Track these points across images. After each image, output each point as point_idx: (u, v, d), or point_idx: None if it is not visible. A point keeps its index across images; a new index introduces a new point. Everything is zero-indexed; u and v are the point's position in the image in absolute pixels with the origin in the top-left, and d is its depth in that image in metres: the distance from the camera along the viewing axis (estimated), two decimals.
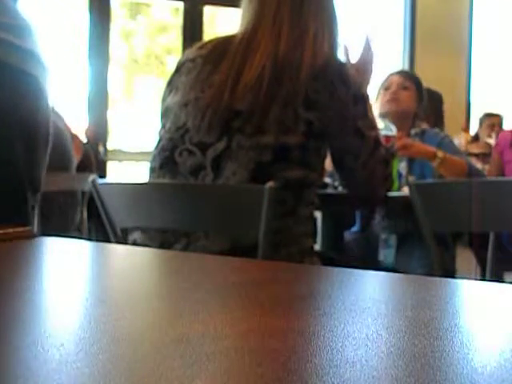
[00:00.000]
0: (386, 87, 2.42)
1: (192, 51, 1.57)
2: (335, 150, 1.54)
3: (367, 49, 1.83)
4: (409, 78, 2.45)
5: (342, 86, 1.45)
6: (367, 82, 1.79)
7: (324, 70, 1.43)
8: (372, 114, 1.55)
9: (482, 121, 5.03)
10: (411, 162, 2.37)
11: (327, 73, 1.44)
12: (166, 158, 1.48)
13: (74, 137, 3.39)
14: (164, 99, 1.58)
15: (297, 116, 1.41)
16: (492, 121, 4.94)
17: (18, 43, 1.02)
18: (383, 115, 2.31)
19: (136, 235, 1.50)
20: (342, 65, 1.48)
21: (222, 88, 1.43)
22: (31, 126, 1.03)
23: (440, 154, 2.15)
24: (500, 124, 4.90)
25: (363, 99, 1.50)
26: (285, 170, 1.42)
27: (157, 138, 1.56)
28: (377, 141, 1.54)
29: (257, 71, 1.41)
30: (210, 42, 1.57)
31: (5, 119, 0.98)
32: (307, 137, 1.43)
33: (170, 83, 1.58)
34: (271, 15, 1.47)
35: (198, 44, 1.58)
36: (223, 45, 1.50)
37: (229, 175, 1.42)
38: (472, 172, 2.21)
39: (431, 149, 2.17)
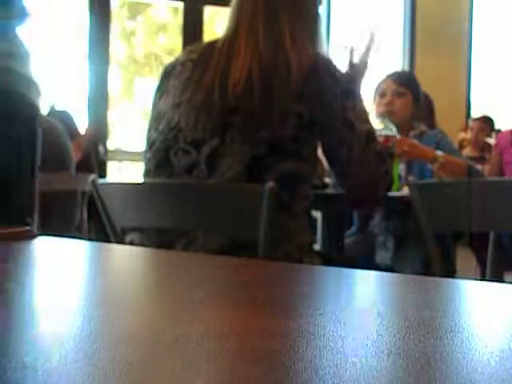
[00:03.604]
0: (380, 94, 2.41)
1: (182, 55, 1.62)
2: (327, 145, 1.55)
3: (366, 52, 1.88)
4: (404, 82, 2.42)
5: (330, 79, 1.49)
6: (359, 83, 1.81)
7: (312, 68, 1.47)
8: (363, 109, 1.57)
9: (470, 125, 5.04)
10: (410, 163, 2.37)
11: (315, 70, 1.47)
12: (161, 159, 1.50)
13: (77, 136, 3.40)
14: (155, 105, 1.61)
15: (289, 110, 1.45)
16: (472, 125, 4.94)
17: (23, 72, 1.13)
18: (382, 115, 2.31)
19: (133, 235, 1.51)
20: (328, 60, 1.52)
21: (211, 88, 1.48)
22: (28, 148, 1.16)
23: (440, 158, 2.14)
24: (482, 128, 4.86)
25: (352, 94, 1.54)
26: (278, 162, 1.45)
27: (145, 141, 1.59)
28: (370, 135, 1.55)
29: (243, 74, 1.46)
30: (199, 46, 1.63)
31: (10, 139, 1.10)
32: (298, 129, 1.46)
33: (159, 89, 1.62)
34: (247, 22, 1.53)
35: (189, 48, 1.64)
36: (209, 48, 1.56)
37: (224, 170, 1.44)
38: (472, 173, 2.21)
39: (431, 152, 2.17)
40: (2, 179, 1.11)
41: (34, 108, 1.18)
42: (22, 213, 1.17)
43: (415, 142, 2.24)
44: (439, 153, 2.17)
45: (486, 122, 4.93)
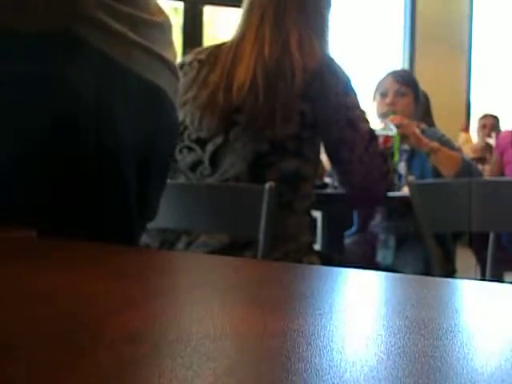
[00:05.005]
0: (382, 93, 2.40)
1: (189, 56, 1.65)
2: (330, 143, 1.56)
3: None
4: (405, 82, 2.42)
5: (332, 77, 1.50)
6: None
7: (316, 69, 1.49)
8: (363, 109, 1.58)
9: (478, 122, 5.03)
10: (410, 161, 2.37)
11: (319, 71, 1.49)
12: None
13: None
14: None
15: (292, 108, 1.46)
16: (484, 121, 4.93)
17: (146, 45, 0.79)
18: (383, 115, 2.31)
19: None
20: (332, 61, 1.53)
21: (217, 88, 1.50)
22: (146, 149, 0.80)
23: (434, 144, 2.15)
24: (494, 125, 4.87)
25: (353, 92, 1.55)
26: (280, 160, 1.47)
27: None
28: (371, 134, 1.57)
29: (248, 77, 1.48)
30: (207, 48, 1.65)
31: (120, 138, 0.76)
32: (301, 127, 1.47)
33: None
34: (255, 25, 1.55)
35: (196, 50, 1.66)
36: (216, 51, 1.59)
37: (227, 168, 1.46)
38: (466, 166, 2.21)
39: (426, 139, 2.18)
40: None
41: (163, 99, 0.81)
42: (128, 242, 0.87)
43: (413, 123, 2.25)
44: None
45: (490, 118, 4.94)
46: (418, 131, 2.19)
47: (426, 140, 2.16)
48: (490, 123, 4.85)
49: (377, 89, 2.43)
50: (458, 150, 2.47)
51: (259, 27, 1.54)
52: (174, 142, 0.90)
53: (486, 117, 5.02)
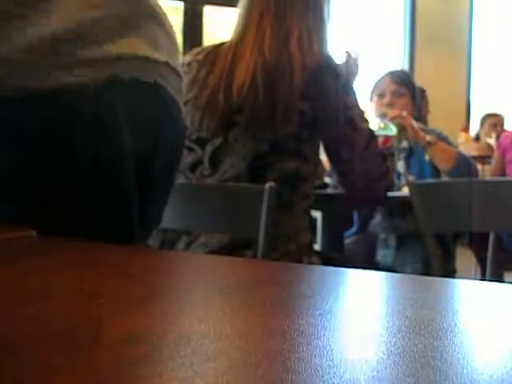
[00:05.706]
0: (379, 93, 2.40)
1: (188, 57, 1.65)
2: (330, 142, 1.56)
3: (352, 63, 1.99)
4: (403, 83, 2.42)
5: (333, 78, 1.50)
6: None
7: (315, 68, 1.48)
8: (362, 108, 1.58)
9: (483, 121, 5.02)
10: (408, 160, 2.37)
11: (318, 70, 1.49)
12: None
13: None
14: None
15: (292, 108, 1.46)
16: (494, 120, 4.93)
17: (155, 57, 0.77)
18: (381, 116, 2.31)
19: None
20: (331, 59, 1.53)
21: (217, 88, 1.50)
22: (146, 149, 0.77)
23: (431, 137, 2.16)
24: (502, 124, 4.89)
25: (353, 91, 1.55)
26: (280, 160, 1.47)
27: None
28: (371, 134, 1.57)
29: (248, 75, 1.48)
30: (206, 48, 1.65)
31: (119, 141, 0.74)
32: (301, 127, 1.47)
33: None
34: (255, 24, 1.54)
35: (194, 50, 1.66)
36: (216, 50, 1.59)
37: (226, 168, 1.46)
38: (466, 163, 2.21)
39: (422, 132, 2.19)
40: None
41: (165, 98, 0.79)
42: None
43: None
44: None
45: (499, 117, 4.95)
46: (415, 124, 2.20)
47: (423, 133, 2.17)
48: (500, 121, 4.86)
49: (374, 89, 2.43)
50: (455, 147, 2.47)
51: (260, 23, 1.53)
52: (179, 144, 0.87)
53: (493, 116, 5.01)
